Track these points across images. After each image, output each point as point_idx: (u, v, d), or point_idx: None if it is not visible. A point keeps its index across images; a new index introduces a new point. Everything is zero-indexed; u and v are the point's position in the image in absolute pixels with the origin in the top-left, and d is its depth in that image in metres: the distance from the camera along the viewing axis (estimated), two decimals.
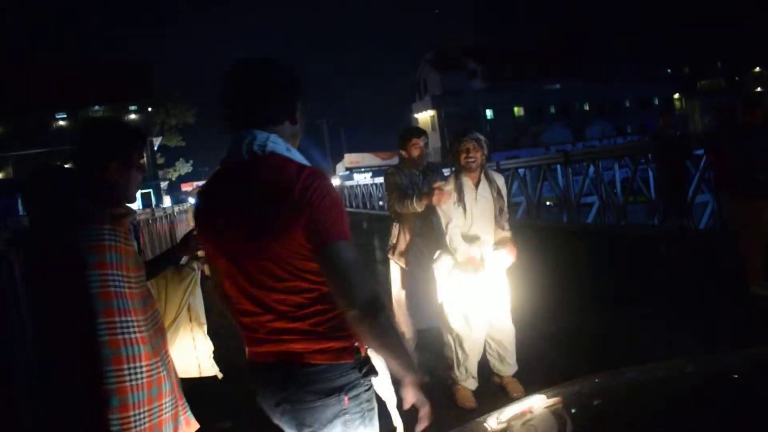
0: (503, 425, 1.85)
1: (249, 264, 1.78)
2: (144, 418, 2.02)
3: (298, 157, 1.83)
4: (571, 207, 13.54)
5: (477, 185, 4.21)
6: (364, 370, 1.85)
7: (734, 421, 1.59)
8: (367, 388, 1.87)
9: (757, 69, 66.14)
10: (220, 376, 3.40)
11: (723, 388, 1.84)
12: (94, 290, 2.00)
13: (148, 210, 15.12)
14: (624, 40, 62.82)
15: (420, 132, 4.91)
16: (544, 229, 13.12)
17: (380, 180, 28.66)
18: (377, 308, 1.72)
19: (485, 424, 1.89)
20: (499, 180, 4.31)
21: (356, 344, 1.83)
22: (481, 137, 4.20)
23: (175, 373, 2.28)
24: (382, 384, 2.01)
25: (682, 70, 67.85)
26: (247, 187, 1.76)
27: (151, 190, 46.68)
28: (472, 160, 4.14)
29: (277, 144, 1.81)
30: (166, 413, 2.11)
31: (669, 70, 65.96)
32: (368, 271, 1.77)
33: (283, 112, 1.89)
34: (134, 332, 2.04)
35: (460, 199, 4.14)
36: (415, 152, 4.81)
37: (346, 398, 1.80)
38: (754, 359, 2.04)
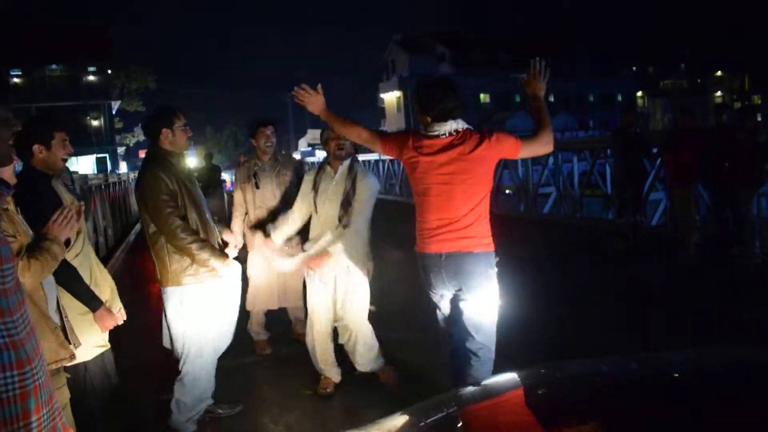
0: (450, 410, 1.84)
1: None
2: None
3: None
4: (529, 196, 13.69)
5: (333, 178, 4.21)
6: None
7: (670, 419, 1.60)
8: None
9: (719, 73, 67.68)
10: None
11: (662, 386, 1.85)
12: None
13: (101, 175, 14.75)
14: (592, 36, 63.50)
15: (267, 121, 5.15)
16: (500, 217, 13.22)
17: None
18: None
19: (436, 403, 1.87)
20: (366, 180, 4.18)
21: None
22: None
23: (49, 378, 1.97)
24: None
25: (647, 69, 68.96)
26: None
27: (107, 155, 45.67)
28: (341, 149, 4.13)
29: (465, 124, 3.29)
30: (45, 427, 1.83)
31: (634, 68, 66.95)
32: None
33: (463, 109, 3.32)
34: (2, 336, 1.73)
35: (315, 188, 4.24)
36: (262, 140, 5.06)
37: None
38: (693, 359, 2.06)
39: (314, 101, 3.54)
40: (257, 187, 5.05)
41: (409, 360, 4.77)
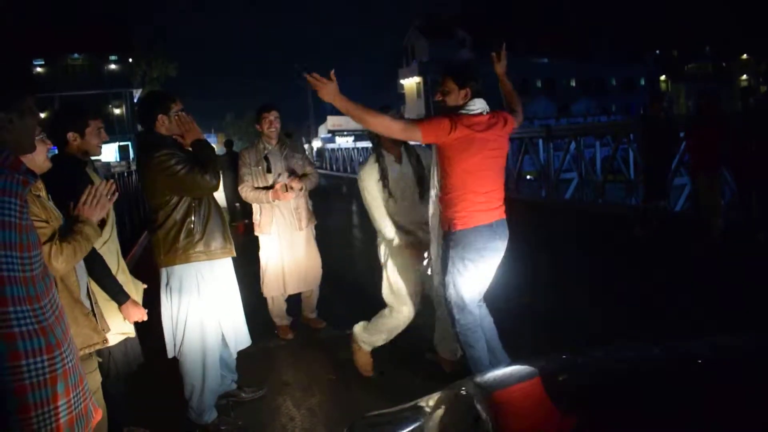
0: (474, 391, 1.85)
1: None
2: (50, 417, 1.80)
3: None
4: (551, 182, 13.60)
5: (399, 160, 4.13)
6: None
7: (693, 405, 1.59)
8: None
9: (745, 56, 66.40)
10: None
11: (686, 372, 1.84)
12: None
13: (123, 163, 14.87)
14: (614, 20, 62.59)
15: (270, 107, 5.18)
16: (522, 202, 13.15)
17: (362, 144, 28.47)
18: None
19: (458, 390, 1.88)
20: (421, 152, 4.19)
21: None
22: (400, 110, 4.21)
23: (79, 361, 2.04)
24: None
25: (670, 53, 67.84)
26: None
27: (129, 143, 46.07)
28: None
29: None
30: (75, 409, 1.89)
31: (657, 52, 65.90)
32: None
33: None
34: (32, 323, 1.78)
35: (384, 177, 4.07)
36: (266, 126, 5.09)
37: None
38: (718, 347, 2.04)
39: (327, 89, 3.25)
40: (269, 170, 5.07)
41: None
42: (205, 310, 3.65)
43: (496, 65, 3.86)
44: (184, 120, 3.52)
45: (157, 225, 3.57)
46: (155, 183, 3.51)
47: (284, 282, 5.26)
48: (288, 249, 5.19)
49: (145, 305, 3.40)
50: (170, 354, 3.74)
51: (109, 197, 2.48)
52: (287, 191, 4.94)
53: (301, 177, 5.09)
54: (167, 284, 3.66)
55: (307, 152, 5.46)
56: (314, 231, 5.41)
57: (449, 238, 3.52)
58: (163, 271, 3.66)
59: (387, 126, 3.40)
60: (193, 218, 3.54)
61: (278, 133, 5.16)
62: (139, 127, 3.75)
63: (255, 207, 5.27)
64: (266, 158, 5.08)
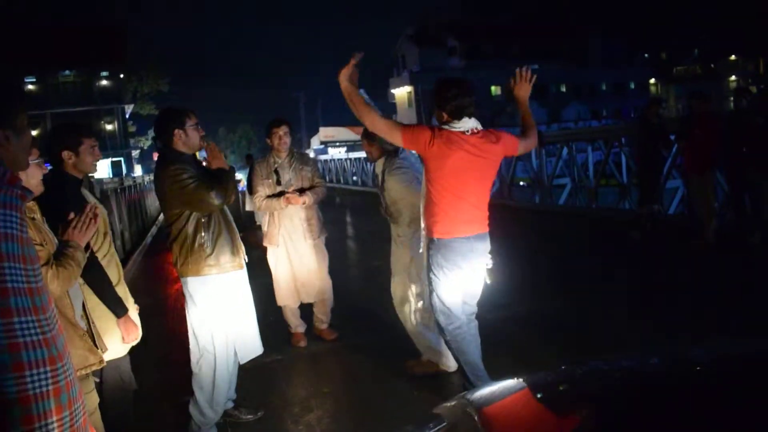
0: (470, 408, 1.83)
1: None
2: (52, 430, 1.78)
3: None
4: (544, 188, 13.61)
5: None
6: None
7: (696, 414, 1.57)
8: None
9: (733, 57, 66.88)
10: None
11: (686, 380, 1.83)
12: None
13: (116, 179, 14.84)
14: (603, 24, 62.95)
15: (280, 122, 5.34)
16: (516, 209, 13.17)
17: (355, 155, 28.53)
18: None
19: (453, 406, 1.86)
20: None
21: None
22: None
23: (76, 375, 2.02)
24: None
25: (659, 56, 68.28)
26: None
27: (122, 159, 46.03)
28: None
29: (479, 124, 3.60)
30: (76, 422, 1.87)
31: (646, 55, 66.33)
32: None
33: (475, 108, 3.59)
34: (36, 334, 1.79)
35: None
36: (275, 140, 5.24)
37: None
38: (717, 353, 2.03)
39: (344, 71, 3.47)
40: (279, 183, 5.19)
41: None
42: (215, 323, 3.70)
43: (516, 88, 3.75)
44: (214, 151, 3.73)
45: (172, 238, 3.69)
46: (166, 195, 3.62)
47: (297, 291, 5.39)
48: (297, 259, 5.29)
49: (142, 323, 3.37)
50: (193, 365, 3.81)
51: (95, 221, 2.49)
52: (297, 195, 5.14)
53: (308, 190, 5.20)
54: (185, 293, 3.76)
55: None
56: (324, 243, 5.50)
57: (430, 245, 3.64)
58: (182, 281, 3.76)
59: (374, 120, 3.53)
60: (203, 234, 3.63)
61: (288, 147, 5.30)
62: (149, 140, 3.85)
63: (264, 219, 5.44)
64: (276, 171, 5.22)
